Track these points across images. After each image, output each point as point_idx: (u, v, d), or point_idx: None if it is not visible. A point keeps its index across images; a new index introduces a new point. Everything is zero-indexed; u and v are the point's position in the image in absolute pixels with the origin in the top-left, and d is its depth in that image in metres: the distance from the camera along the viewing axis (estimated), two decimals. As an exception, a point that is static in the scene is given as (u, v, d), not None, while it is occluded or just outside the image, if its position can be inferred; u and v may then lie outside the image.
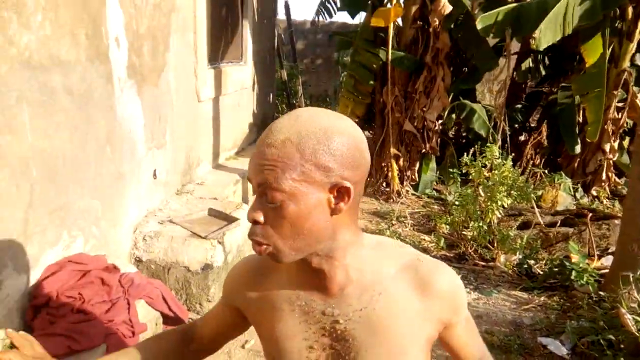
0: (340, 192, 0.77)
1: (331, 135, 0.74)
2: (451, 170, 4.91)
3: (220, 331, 1.06)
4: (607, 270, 3.33)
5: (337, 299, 0.84)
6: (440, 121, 5.74)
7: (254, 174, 0.77)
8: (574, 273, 3.22)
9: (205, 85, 4.19)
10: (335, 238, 0.80)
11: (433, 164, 5.84)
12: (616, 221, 3.90)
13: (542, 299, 3.32)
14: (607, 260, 3.58)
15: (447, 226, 4.31)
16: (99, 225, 2.57)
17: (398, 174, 5.64)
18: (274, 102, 8.42)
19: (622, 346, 2.45)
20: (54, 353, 1.83)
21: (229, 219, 3.28)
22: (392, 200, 5.51)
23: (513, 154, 4.28)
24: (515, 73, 6.37)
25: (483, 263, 3.86)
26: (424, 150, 5.66)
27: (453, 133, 7.05)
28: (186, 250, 2.92)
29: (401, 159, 5.68)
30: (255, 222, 0.77)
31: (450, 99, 5.59)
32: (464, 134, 6.90)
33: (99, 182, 2.53)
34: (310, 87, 10.95)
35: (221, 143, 4.93)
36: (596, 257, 3.68)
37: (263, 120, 6.99)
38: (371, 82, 5.41)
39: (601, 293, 3.02)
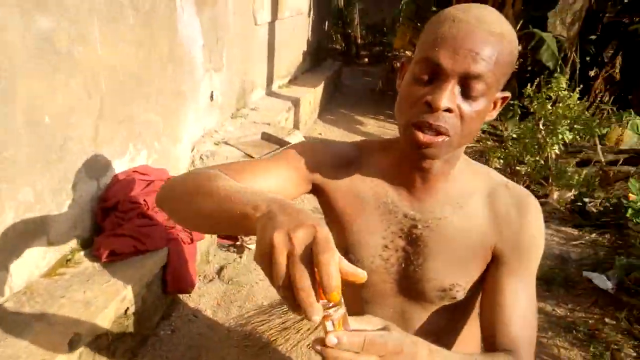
0: (497, 102, 0.78)
1: None
2: (511, 102, 4.71)
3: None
4: (668, 212, 3.19)
5: (421, 204, 0.84)
6: (504, 52, 5.42)
7: (463, 59, 0.67)
8: (629, 211, 3.11)
9: (262, 8, 4.15)
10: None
11: (491, 98, 5.59)
12: (686, 162, 3.66)
13: (593, 236, 3.25)
14: (670, 202, 3.42)
15: (501, 161, 4.21)
16: (160, 141, 2.73)
17: (453, 107, 5.47)
18: (329, 31, 8.23)
19: (672, 284, 2.40)
20: (121, 251, 2.06)
21: (282, 143, 3.37)
22: (445, 134, 5.39)
23: (581, 86, 4.02)
24: (593, 0, 5.83)
25: (536, 199, 3.78)
26: (483, 83, 5.41)
27: (517, 65, 6.65)
28: (240, 170, 3.05)
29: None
30: (447, 110, 0.69)
31: (518, 27, 5.25)
32: (528, 67, 6.51)
33: (161, 99, 2.65)
34: (367, 16, 10.53)
35: (275, 70, 4.95)
36: (658, 198, 3.51)
37: (317, 49, 6.89)
38: (433, 8, 5.16)
39: (658, 233, 2.92)
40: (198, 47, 3.05)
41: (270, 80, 4.89)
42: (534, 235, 0.83)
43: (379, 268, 0.87)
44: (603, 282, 2.63)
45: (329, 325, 0.55)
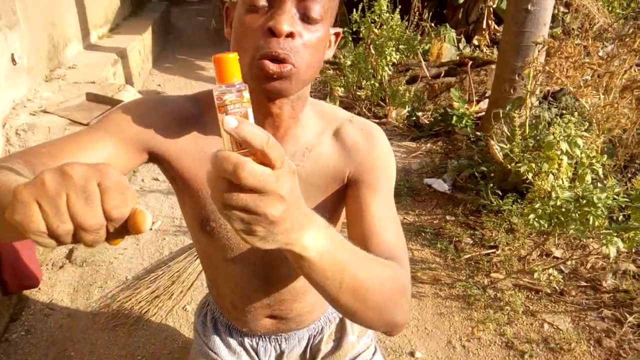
0: (333, 37, 0.78)
1: None
2: (342, 30, 4.85)
3: None
4: (484, 113, 3.66)
5: None
6: (329, -21, 5.48)
7: None
8: (454, 118, 3.51)
9: (53, -52, 3.54)
10: (308, 86, 0.77)
11: (325, 27, 5.70)
12: (493, 66, 4.18)
13: (428, 145, 3.62)
14: (485, 104, 3.92)
15: (342, 89, 4.38)
16: (-46, 123, 2.27)
17: (291, 40, 5.46)
18: (147, -32, 7.46)
19: (492, 175, 2.80)
20: None
21: (112, 102, 3.04)
22: (287, 68, 5.40)
23: (400, 7, 4.27)
24: None
25: (377, 120, 4.05)
26: (314, 12, 5.46)
27: (344, -9, 6.81)
28: (69, 140, 2.72)
29: (293, 23, 5.46)
30: (289, 35, 0.66)
31: (337, -48, 5.30)
32: (354, -8, 6.70)
33: (-60, 72, 2.17)
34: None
35: (89, 19, 4.37)
36: (475, 102, 4.01)
37: (136, -10, 6.23)
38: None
39: (478, 133, 3.34)
40: (-22, 1, 2.52)
41: (86, 31, 4.31)
42: (383, 156, 0.86)
43: None
44: (440, 185, 2.98)
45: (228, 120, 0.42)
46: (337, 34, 0.78)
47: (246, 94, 0.44)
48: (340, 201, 0.87)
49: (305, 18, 0.68)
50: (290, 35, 0.66)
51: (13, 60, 2.91)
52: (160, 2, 7.24)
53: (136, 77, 4.68)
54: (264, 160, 0.44)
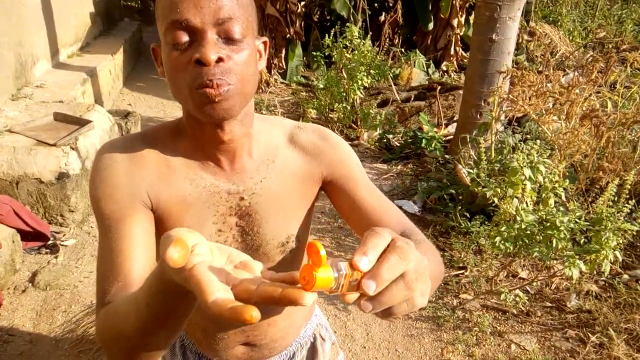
0: (262, 46, 0.79)
1: None
2: (314, 54, 4.92)
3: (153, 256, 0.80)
4: (452, 136, 3.76)
5: (239, 175, 0.82)
6: (302, 3, 5.58)
7: (208, 9, 0.67)
8: (424, 141, 3.59)
9: (23, -34, 3.51)
10: (250, 101, 0.79)
11: (299, 50, 5.78)
12: (461, 91, 4.31)
13: (399, 167, 3.69)
14: (453, 128, 4.03)
15: (315, 111, 4.44)
16: None
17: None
18: (119, -13, 7.44)
19: (460, 198, 2.87)
20: None
21: (81, 122, 3.00)
22: (261, 90, 5.44)
23: (371, 33, 4.38)
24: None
25: (349, 142, 4.11)
26: (288, 36, 5.54)
27: (318, 16, 6.95)
28: (34, 161, 2.65)
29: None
30: (218, 60, 0.68)
31: (310, -21, 5.42)
32: (328, 17, 6.84)
33: None
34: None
35: (59, 37, 4.31)
36: (443, 125, 4.11)
37: (107, 10, 6.20)
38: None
39: (447, 156, 3.43)
40: (-57, 18, 2.47)
41: (55, 50, 4.25)
42: (346, 149, 0.91)
43: None
44: (411, 207, 3.03)
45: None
46: (264, 43, 0.81)
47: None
48: (313, 199, 0.90)
49: (229, 40, 0.70)
50: (220, 60, 0.68)
51: (-22, 78, 2.85)
52: (131, 22, 7.21)
53: (106, 97, 4.62)
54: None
